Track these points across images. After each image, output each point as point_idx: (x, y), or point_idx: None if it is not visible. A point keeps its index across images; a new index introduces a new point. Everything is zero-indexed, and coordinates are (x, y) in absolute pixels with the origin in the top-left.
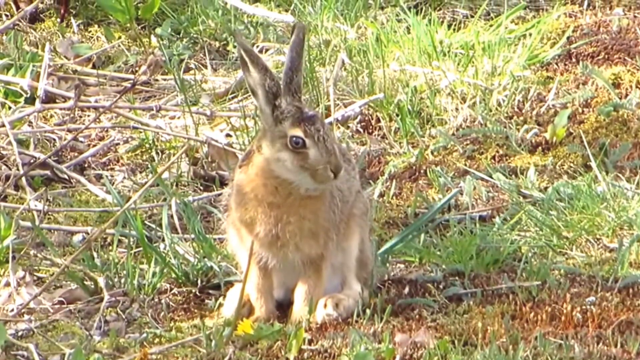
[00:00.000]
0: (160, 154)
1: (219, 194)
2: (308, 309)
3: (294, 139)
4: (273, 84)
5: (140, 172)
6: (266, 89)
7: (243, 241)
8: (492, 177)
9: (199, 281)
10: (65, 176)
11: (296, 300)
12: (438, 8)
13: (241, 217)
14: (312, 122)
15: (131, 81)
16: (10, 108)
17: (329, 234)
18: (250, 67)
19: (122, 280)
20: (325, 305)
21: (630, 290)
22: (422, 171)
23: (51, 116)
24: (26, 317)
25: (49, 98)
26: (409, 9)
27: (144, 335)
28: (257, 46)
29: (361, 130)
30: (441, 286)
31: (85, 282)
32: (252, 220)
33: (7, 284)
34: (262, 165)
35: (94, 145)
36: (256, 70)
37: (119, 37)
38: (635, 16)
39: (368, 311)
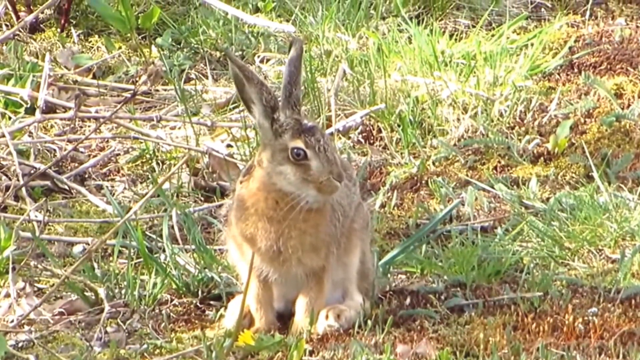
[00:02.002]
0: (160, 164)
1: (220, 205)
2: (309, 320)
3: (295, 150)
4: (270, 97)
5: (141, 183)
6: (264, 103)
7: (243, 254)
8: (493, 188)
9: (199, 292)
10: (66, 187)
11: (297, 311)
12: (439, 18)
13: (242, 232)
14: (312, 133)
15: (131, 91)
16: (10, 118)
17: (330, 247)
18: (246, 84)
19: (123, 291)
20: (327, 317)
21: (633, 302)
22: (423, 182)
23: (51, 126)
24: (26, 328)
25: (49, 108)
26: (411, 19)
27: (145, 346)
28: (258, 56)
29: (362, 140)
30: (443, 297)
31: (85, 293)
32: (253, 236)
33: (7, 295)
34: (263, 179)
35: (95, 156)
36: (252, 86)
37: (120, 47)
38: (637, 26)
39: (369, 322)
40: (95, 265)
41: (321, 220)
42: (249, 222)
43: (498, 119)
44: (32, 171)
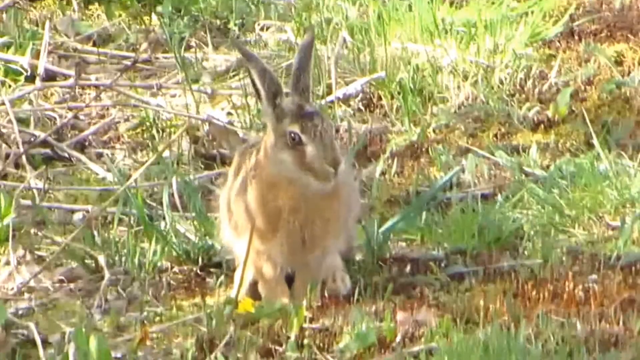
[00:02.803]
0: (160, 132)
1: (220, 173)
2: (310, 287)
3: (292, 134)
4: (272, 83)
5: (141, 151)
6: (265, 88)
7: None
8: (494, 155)
9: (199, 260)
10: (66, 154)
11: (298, 279)
12: None
13: (263, 224)
14: (310, 118)
15: (132, 59)
16: (10, 86)
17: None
18: (250, 70)
19: (123, 259)
20: (334, 280)
21: (633, 268)
22: (423, 149)
23: (51, 94)
24: (26, 295)
25: (49, 76)
26: None
27: (145, 314)
28: (259, 24)
29: (362, 108)
30: (443, 264)
31: (85, 261)
32: (275, 228)
33: (8, 263)
34: (269, 170)
35: (95, 124)
36: (255, 72)
37: (120, 15)
38: None
39: (369, 289)
40: (95, 233)
41: (341, 206)
42: (271, 215)
43: (498, 87)
44: (32, 139)
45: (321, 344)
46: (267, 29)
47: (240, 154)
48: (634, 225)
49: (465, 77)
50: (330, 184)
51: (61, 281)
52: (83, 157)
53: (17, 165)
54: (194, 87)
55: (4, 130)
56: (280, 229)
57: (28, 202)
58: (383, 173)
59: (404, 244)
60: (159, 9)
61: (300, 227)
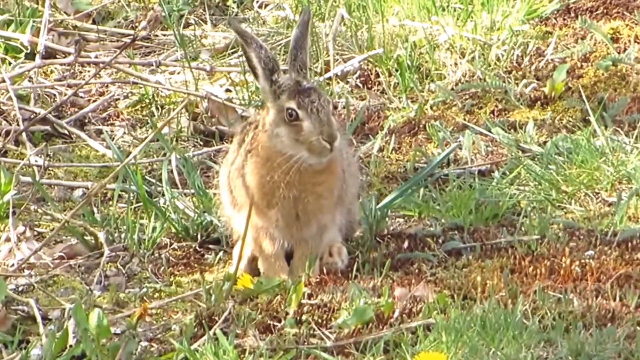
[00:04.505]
0: (160, 109)
1: (219, 149)
2: (308, 263)
3: (289, 111)
4: (269, 59)
5: (140, 127)
6: (262, 65)
7: (241, 209)
8: (491, 132)
9: (198, 236)
10: (66, 131)
11: (296, 255)
12: None
13: (260, 198)
14: (308, 94)
15: (131, 37)
16: (10, 63)
17: (337, 206)
18: (246, 48)
19: (122, 235)
20: (330, 254)
21: (629, 244)
22: (421, 126)
23: (51, 72)
24: (26, 272)
25: (49, 54)
26: None
27: (144, 289)
28: (257, 1)
29: (360, 85)
30: (440, 240)
31: (85, 237)
32: (270, 203)
33: (8, 239)
34: (267, 144)
35: (94, 101)
36: (251, 49)
37: None
38: None
39: (367, 265)
40: (95, 209)
41: (335, 183)
42: (267, 189)
43: (495, 63)
44: (32, 116)
45: (319, 320)
46: (266, 6)
47: (241, 130)
48: (630, 201)
49: (462, 54)
50: (325, 159)
51: (61, 257)
52: (83, 134)
53: (17, 142)
54: (193, 64)
55: (4, 108)
56: (276, 204)
57: (28, 178)
58: (381, 149)
59: (401, 220)
60: None
61: (294, 201)
